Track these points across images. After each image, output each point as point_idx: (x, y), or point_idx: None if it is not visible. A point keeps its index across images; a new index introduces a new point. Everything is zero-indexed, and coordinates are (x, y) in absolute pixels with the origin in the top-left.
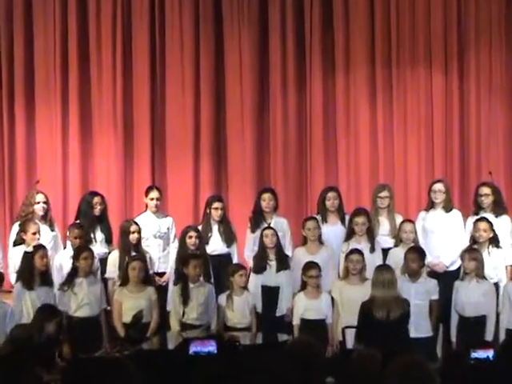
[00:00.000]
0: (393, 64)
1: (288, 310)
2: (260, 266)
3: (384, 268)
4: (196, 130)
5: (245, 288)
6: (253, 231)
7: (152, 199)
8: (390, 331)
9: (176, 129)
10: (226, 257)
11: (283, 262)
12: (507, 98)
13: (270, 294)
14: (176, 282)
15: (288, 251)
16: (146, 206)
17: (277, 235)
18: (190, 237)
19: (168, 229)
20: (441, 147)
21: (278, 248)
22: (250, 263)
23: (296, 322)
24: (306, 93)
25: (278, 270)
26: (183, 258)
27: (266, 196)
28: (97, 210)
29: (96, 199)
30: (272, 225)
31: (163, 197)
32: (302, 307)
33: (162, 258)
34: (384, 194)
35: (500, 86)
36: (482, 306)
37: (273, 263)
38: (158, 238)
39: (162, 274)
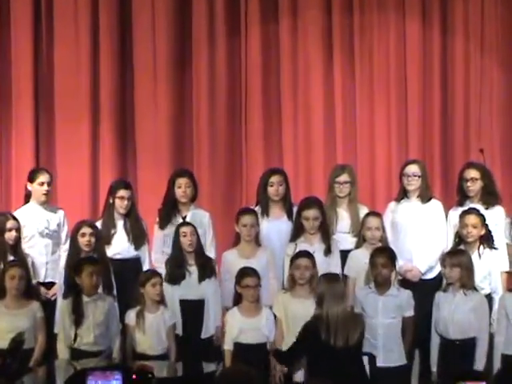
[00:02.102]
0: (355, 9)
1: (217, 329)
2: (176, 274)
3: (333, 278)
4: (93, 94)
5: (160, 302)
6: (162, 227)
7: (42, 184)
8: (347, 359)
9: (67, 93)
10: (134, 261)
11: (207, 268)
12: (503, 57)
13: (192, 311)
14: (66, 294)
15: (209, 253)
16: (28, 196)
17: (197, 233)
18: (83, 234)
19: (59, 225)
20: (417, 118)
21: (199, 250)
22: (161, 269)
23: (228, 346)
24: (239, 44)
25: (201, 278)
26: (75, 262)
27: (182, 181)
28: None
29: None
30: (188, 219)
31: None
32: (237, 328)
33: (51, 263)
34: (343, 178)
35: (495, 42)
36: (470, 326)
37: (193, 270)
38: (46, 236)
39: (50, 285)
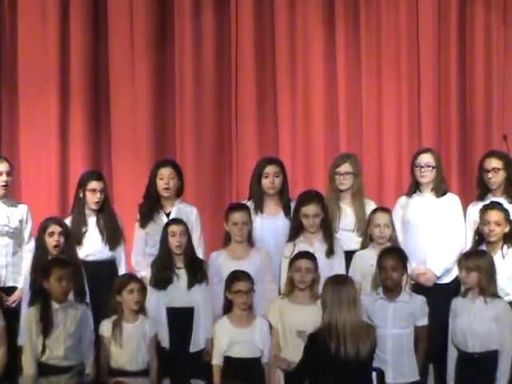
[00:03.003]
0: None
1: (208, 342)
2: (162, 277)
3: (340, 281)
4: (62, 72)
5: (140, 311)
6: (143, 226)
7: None
8: (356, 374)
9: (32, 70)
10: (109, 264)
11: (198, 272)
12: None
13: (180, 320)
14: (32, 301)
15: (198, 254)
16: None
17: (188, 233)
18: (51, 234)
19: (21, 222)
20: (431, 100)
21: (189, 252)
22: (142, 273)
23: (217, 361)
24: (229, 14)
25: (191, 284)
26: (42, 265)
27: (165, 172)
28: None
29: None
30: (173, 215)
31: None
32: (226, 339)
33: (12, 265)
34: (344, 168)
35: None
36: (491, 337)
37: (182, 274)
38: (6, 235)
39: (10, 290)
